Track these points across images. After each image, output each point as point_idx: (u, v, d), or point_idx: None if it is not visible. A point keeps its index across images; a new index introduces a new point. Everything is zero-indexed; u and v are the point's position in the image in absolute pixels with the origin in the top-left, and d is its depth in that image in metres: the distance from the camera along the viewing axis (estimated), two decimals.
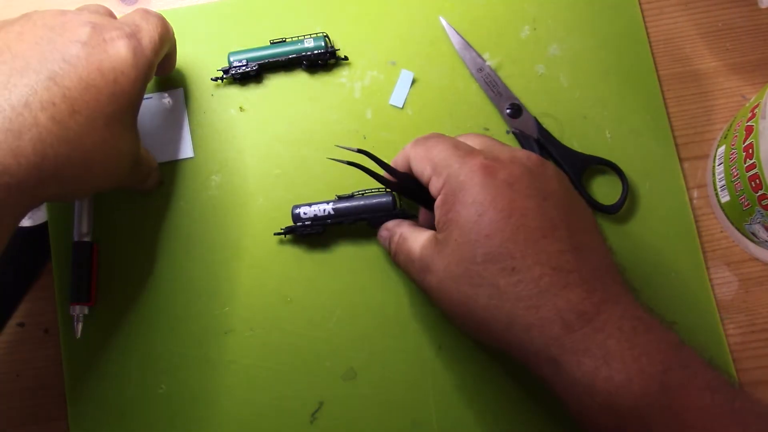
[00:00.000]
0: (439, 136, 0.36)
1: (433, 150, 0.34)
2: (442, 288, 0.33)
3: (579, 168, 0.42)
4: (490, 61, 0.44)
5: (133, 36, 0.35)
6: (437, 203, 0.34)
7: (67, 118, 0.31)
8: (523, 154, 0.34)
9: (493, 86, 0.44)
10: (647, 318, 0.31)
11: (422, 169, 0.35)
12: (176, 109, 0.44)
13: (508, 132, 0.44)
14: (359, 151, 0.36)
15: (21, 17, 0.34)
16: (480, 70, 0.44)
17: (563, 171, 0.42)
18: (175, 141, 0.43)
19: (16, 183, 0.30)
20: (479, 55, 0.44)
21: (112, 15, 0.38)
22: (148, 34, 0.36)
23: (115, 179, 0.36)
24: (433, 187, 0.34)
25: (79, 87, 0.32)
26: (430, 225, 0.36)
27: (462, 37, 0.44)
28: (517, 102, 0.43)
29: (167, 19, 0.39)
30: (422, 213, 0.39)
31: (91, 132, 0.33)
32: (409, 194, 0.37)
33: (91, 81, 0.32)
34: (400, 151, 0.37)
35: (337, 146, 0.39)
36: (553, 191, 0.33)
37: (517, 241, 0.31)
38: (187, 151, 0.43)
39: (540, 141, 0.43)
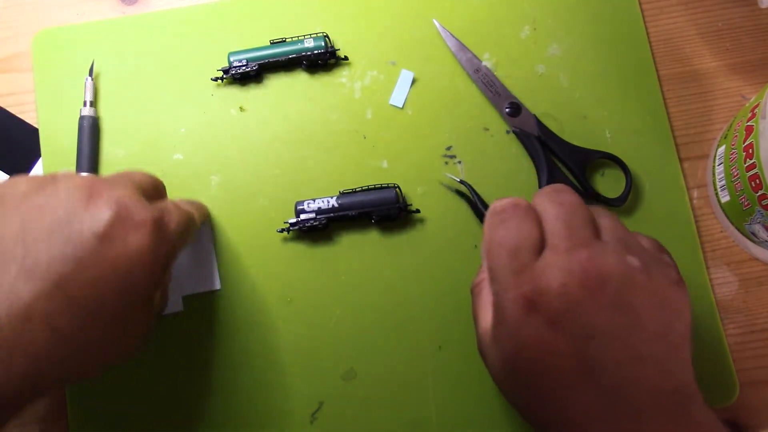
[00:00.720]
0: (504, 221, 0.32)
1: (492, 248, 0.32)
2: (492, 378, 0.34)
3: (581, 163, 0.42)
4: (487, 62, 0.44)
5: (158, 221, 0.32)
6: (493, 310, 0.32)
7: (67, 324, 0.29)
8: (581, 277, 0.30)
9: (491, 86, 0.44)
10: None
11: (482, 257, 0.34)
12: (203, 241, 0.42)
13: (508, 132, 0.44)
14: (461, 182, 0.38)
15: (48, 180, 0.31)
16: (477, 70, 0.44)
17: (567, 167, 0.42)
18: (201, 273, 0.42)
19: (9, 394, 0.28)
20: (475, 56, 0.44)
21: (155, 184, 0.35)
22: (177, 218, 0.33)
23: (130, 352, 0.34)
24: (491, 290, 0.33)
25: (86, 288, 0.29)
26: None
27: (456, 39, 0.44)
28: (515, 101, 0.43)
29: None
30: None
31: (94, 329, 0.30)
32: None
33: (101, 279, 0.29)
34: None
35: (446, 175, 0.42)
36: (605, 324, 0.29)
37: (552, 384, 0.30)
38: (214, 282, 0.42)
39: (541, 138, 0.42)
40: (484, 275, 0.35)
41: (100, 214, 0.30)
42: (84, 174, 0.32)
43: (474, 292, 0.36)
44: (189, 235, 0.36)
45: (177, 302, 0.41)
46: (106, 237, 0.30)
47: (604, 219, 0.33)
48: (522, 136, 0.43)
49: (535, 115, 0.43)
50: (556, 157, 0.43)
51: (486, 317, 0.34)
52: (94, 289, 0.29)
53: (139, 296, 0.31)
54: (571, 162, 0.42)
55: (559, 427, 0.30)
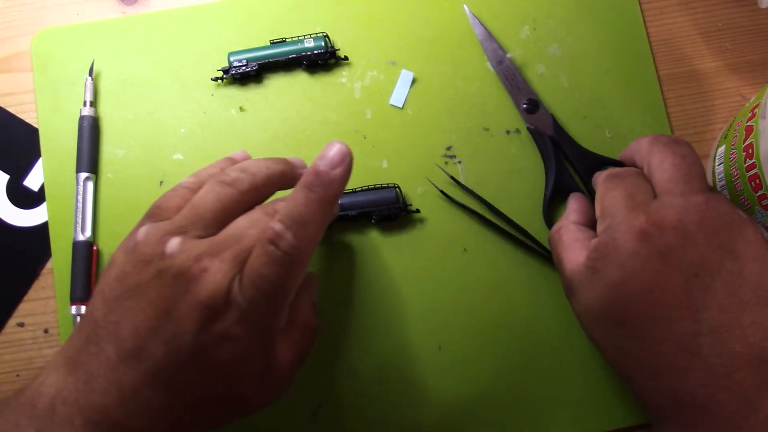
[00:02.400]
0: (622, 179, 0.35)
1: (608, 194, 0.34)
2: (580, 316, 0.35)
3: (591, 169, 0.41)
4: (511, 53, 0.44)
5: (255, 307, 0.30)
6: (594, 244, 0.34)
7: (170, 413, 0.30)
8: (697, 216, 0.31)
9: (512, 80, 0.43)
10: None
11: (596, 207, 0.36)
12: None
13: (508, 132, 0.44)
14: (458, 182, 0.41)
15: (156, 268, 0.30)
16: (500, 62, 0.44)
17: (577, 171, 0.42)
18: None
19: None
20: (501, 47, 0.44)
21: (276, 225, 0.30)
22: (288, 272, 0.30)
23: (261, 404, 0.33)
24: (598, 229, 0.34)
25: (187, 386, 0.30)
26: (588, 219, 0.38)
27: (485, 27, 0.44)
28: (534, 97, 0.43)
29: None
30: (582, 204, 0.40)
31: (199, 413, 0.31)
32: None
33: (202, 382, 0.30)
34: (597, 175, 0.38)
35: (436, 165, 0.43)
36: (712, 265, 0.30)
37: (652, 316, 0.31)
38: None
39: (554, 139, 0.42)
40: (563, 222, 0.38)
41: (190, 320, 0.29)
42: (189, 242, 0.30)
43: (554, 238, 0.38)
44: (313, 244, 0.31)
45: None
46: (199, 348, 0.29)
47: None
48: (536, 134, 0.43)
49: (552, 115, 0.43)
50: (567, 160, 0.42)
51: (574, 256, 0.35)
52: (197, 388, 0.30)
53: (248, 374, 0.31)
54: (581, 166, 0.41)
55: (652, 362, 0.31)
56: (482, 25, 0.44)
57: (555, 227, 0.38)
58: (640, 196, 0.33)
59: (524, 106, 0.43)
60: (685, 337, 0.30)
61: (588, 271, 0.33)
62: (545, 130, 0.42)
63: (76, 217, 0.42)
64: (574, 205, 0.39)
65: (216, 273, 0.29)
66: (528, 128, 0.43)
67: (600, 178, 0.37)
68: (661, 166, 0.33)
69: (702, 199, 0.31)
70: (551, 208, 0.42)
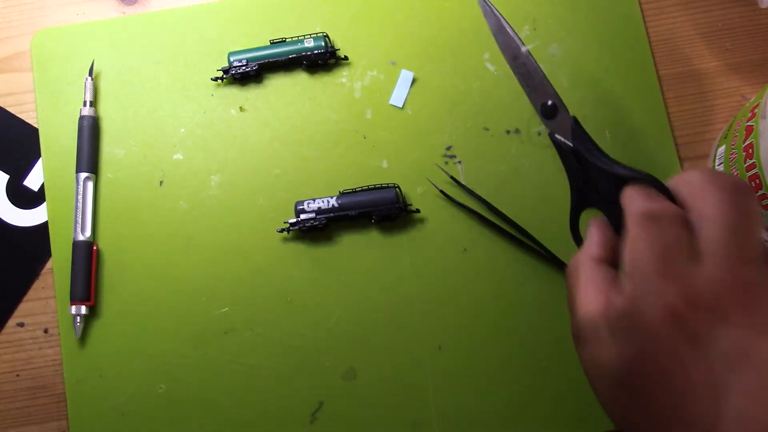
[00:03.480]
0: (660, 225, 0.29)
1: (640, 243, 0.29)
2: (587, 369, 0.31)
3: (616, 185, 0.32)
4: (527, 46, 0.37)
5: None
6: (619, 305, 0.29)
7: None
8: (741, 294, 0.27)
9: (528, 78, 0.36)
10: None
11: (624, 251, 0.30)
12: None
13: (508, 132, 0.44)
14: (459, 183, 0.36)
15: None
16: (515, 58, 0.36)
17: (602, 188, 0.34)
18: None
19: None
20: (516, 40, 0.36)
21: None
22: None
23: None
24: (624, 281, 0.29)
25: None
26: (608, 251, 0.32)
27: (500, 16, 0.36)
28: (553, 100, 0.36)
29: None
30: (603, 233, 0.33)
31: None
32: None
33: None
34: (628, 193, 0.31)
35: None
36: (746, 349, 0.27)
37: (669, 397, 0.28)
38: None
39: (576, 151, 0.34)
40: (581, 256, 0.32)
41: None
42: None
43: (570, 274, 0.33)
44: None
45: None
46: None
47: None
48: (556, 143, 0.35)
49: (574, 118, 0.35)
50: (590, 171, 0.35)
51: (588, 300, 0.30)
52: None
53: None
54: (605, 181, 0.34)
55: None
56: (497, 14, 0.36)
57: (573, 261, 0.33)
58: (677, 256, 0.28)
59: (542, 109, 0.36)
60: (704, 422, 0.27)
61: (606, 330, 0.29)
62: (565, 139, 0.35)
63: (76, 217, 0.42)
64: (594, 236, 0.33)
65: None
66: (549, 136, 0.36)
67: (631, 212, 0.30)
68: (715, 223, 0.28)
69: (751, 273, 0.27)
70: (577, 225, 0.37)
